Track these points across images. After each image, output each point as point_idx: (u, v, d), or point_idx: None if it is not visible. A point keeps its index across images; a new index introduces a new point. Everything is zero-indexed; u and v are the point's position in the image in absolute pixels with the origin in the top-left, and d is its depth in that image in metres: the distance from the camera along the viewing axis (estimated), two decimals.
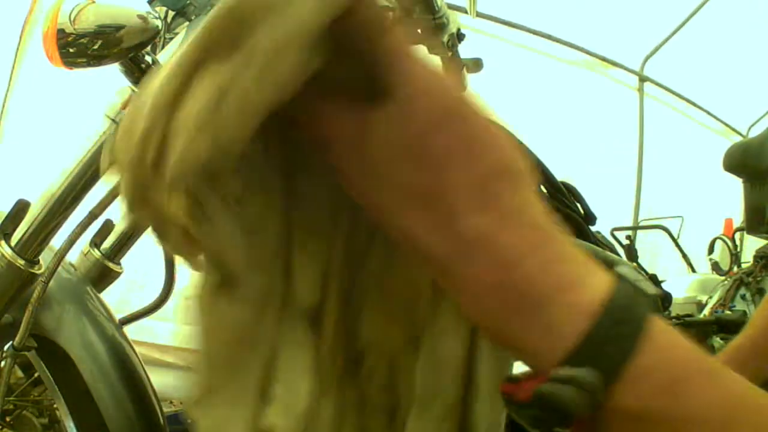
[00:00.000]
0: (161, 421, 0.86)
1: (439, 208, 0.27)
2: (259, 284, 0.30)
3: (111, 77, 0.71)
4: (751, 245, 2.95)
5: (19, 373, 1.00)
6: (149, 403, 0.85)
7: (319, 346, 0.31)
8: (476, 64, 1.08)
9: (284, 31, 0.24)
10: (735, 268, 2.90)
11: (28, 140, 2.33)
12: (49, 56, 0.63)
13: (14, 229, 0.75)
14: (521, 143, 0.31)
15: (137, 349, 0.88)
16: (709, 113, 4.65)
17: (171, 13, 0.74)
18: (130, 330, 0.91)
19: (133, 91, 0.72)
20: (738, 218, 3.19)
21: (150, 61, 0.70)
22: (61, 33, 0.62)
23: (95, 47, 0.63)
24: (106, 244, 0.92)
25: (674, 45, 4.04)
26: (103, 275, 0.92)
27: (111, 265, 0.92)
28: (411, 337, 0.33)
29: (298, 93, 0.25)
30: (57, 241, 0.75)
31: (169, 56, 0.73)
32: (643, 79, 4.24)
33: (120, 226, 0.92)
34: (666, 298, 1.02)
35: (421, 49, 0.29)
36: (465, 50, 1.05)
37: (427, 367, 0.32)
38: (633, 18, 3.64)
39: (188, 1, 0.72)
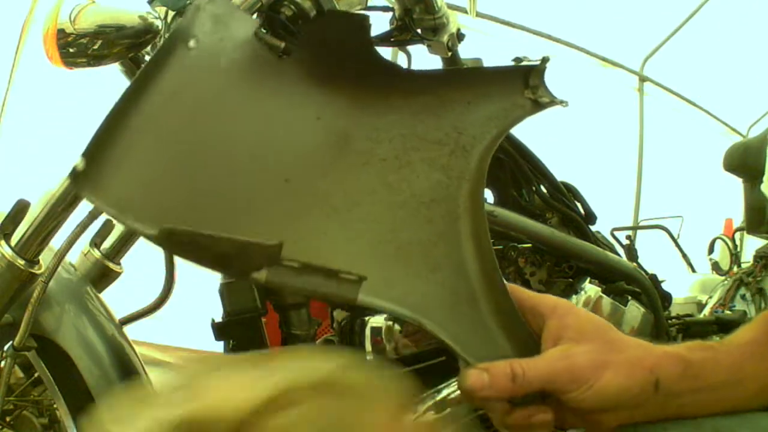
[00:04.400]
0: None
1: None
2: None
3: (111, 77, 0.71)
4: (751, 245, 2.95)
5: (19, 373, 0.99)
6: None
7: None
8: (476, 64, 1.08)
9: None
10: (735, 268, 2.90)
11: (28, 140, 2.33)
12: (49, 56, 0.63)
13: (14, 229, 0.75)
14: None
15: (137, 349, 0.88)
16: (709, 113, 4.65)
17: (171, 13, 0.74)
18: (130, 330, 0.91)
19: None
20: (738, 218, 3.19)
21: None
22: (61, 33, 0.62)
23: (95, 47, 0.63)
24: (106, 244, 0.92)
25: (674, 45, 4.04)
26: (103, 275, 0.92)
27: (111, 265, 0.92)
28: None
29: None
30: (57, 241, 0.75)
31: None
32: (643, 79, 4.24)
33: (120, 226, 0.92)
34: (666, 298, 1.02)
35: None
36: (465, 50, 1.05)
37: None
38: (633, 18, 3.64)
39: (188, 1, 0.72)
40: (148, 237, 0.41)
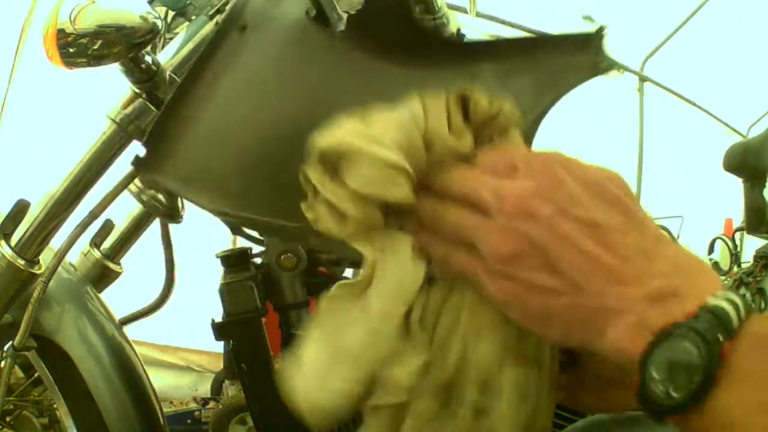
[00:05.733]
0: (161, 421, 0.86)
1: None
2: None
3: (111, 77, 0.71)
4: (751, 245, 2.95)
5: (19, 373, 1.00)
6: (149, 403, 0.85)
7: None
8: None
9: None
10: (735, 268, 2.90)
11: (27, 140, 2.33)
12: (49, 56, 0.63)
13: (14, 229, 0.75)
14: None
15: (137, 349, 0.88)
16: (709, 113, 4.65)
17: (171, 13, 0.74)
18: (130, 330, 0.91)
19: (134, 91, 0.72)
20: (738, 218, 3.19)
21: (150, 61, 0.70)
22: (61, 33, 0.62)
23: (95, 47, 0.63)
24: (106, 244, 0.92)
25: (674, 45, 4.05)
26: (103, 275, 0.92)
27: (111, 265, 0.92)
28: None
29: None
30: (57, 241, 0.75)
31: (171, 56, 0.73)
32: (643, 79, 4.24)
33: (120, 226, 0.92)
34: None
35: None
36: None
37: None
38: (633, 18, 3.64)
39: (188, 1, 0.72)
40: (203, 208, 0.43)
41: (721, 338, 0.30)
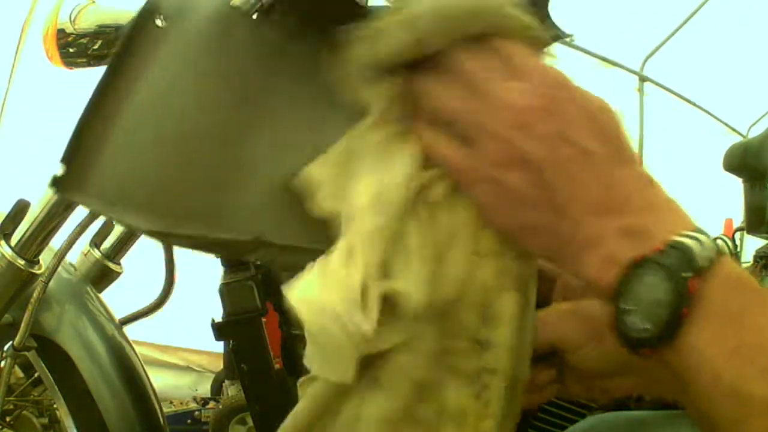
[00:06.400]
0: (161, 421, 0.86)
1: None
2: None
3: None
4: (751, 245, 2.95)
5: (19, 373, 1.00)
6: (149, 403, 0.85)
7: None
8: None
9: None
10: None
11: (28, 140, 2.33)
12: (49, 56, 0.63)
13: (14, 229, 0.75)
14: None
15: (137, 349, 0.88)
16: (709, 113, 4.65)
17: None
18: (130, 330, 0.91)
19: None
20: (738, 218, 3.19)
21: None
22: (61, 33, 0.62)
23: (95, 47, 0.63)
24: (106, 244, 0.92)
25: (674, 45, 4.05)
26: (103, 275, 0.92)
27: (111, 265, 0.92)
28: None
29: None
30: (57, 241, 0.75)
31: None
32: (643, 79, 4.24)
33: (120, 226, 0.92)
34: None
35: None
36: None
37: None
38: (633, 18, 3.64)
39: None
40: (138, 230, 0.38)
41: (686, 274, 0.31)
